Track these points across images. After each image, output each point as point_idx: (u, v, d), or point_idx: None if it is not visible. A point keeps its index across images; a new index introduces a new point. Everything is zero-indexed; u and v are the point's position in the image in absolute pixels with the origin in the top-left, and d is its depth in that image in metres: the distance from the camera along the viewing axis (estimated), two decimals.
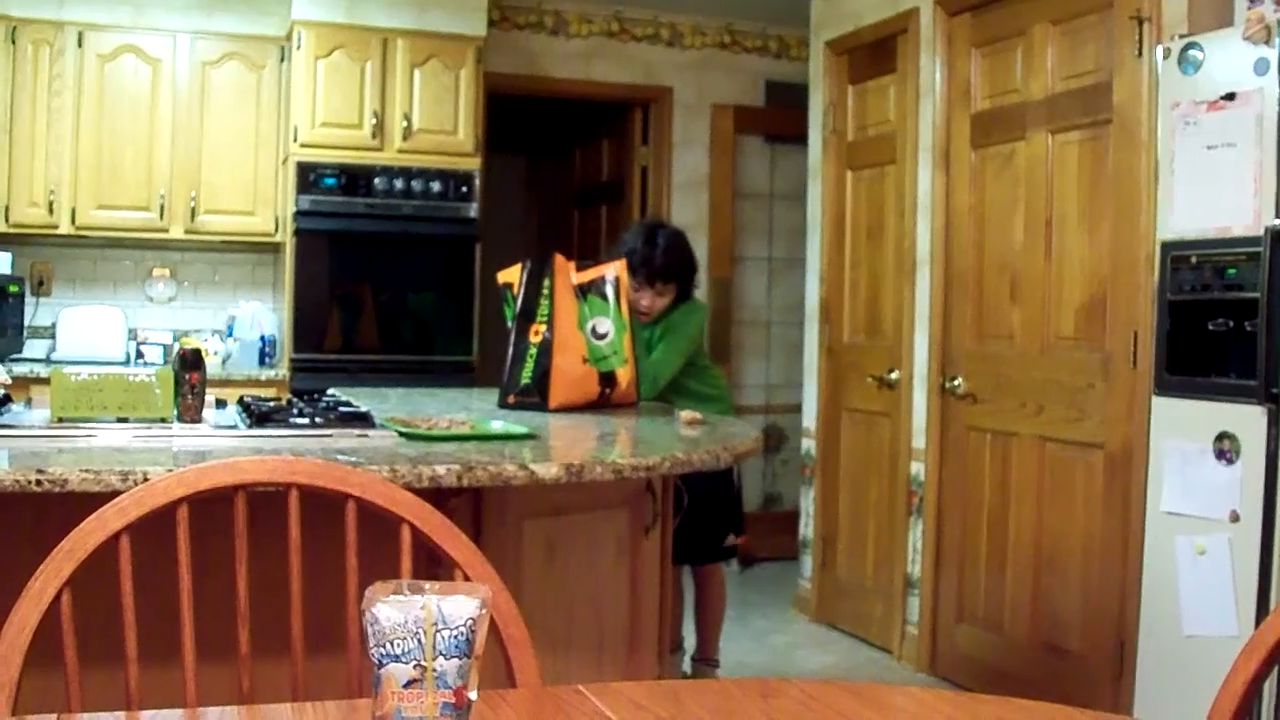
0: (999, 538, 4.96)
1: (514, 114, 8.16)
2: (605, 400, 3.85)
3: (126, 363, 6.22)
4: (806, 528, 6.35)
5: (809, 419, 6.35)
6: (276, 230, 6.33)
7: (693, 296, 4.66)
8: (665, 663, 3.82)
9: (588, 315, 3.84)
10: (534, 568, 2.94)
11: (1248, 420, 3.53)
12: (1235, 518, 3.57)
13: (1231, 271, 3.60)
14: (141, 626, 1.66)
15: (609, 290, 3.88)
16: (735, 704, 1.64)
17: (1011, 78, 4.96)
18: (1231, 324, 3.60)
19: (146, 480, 2.00)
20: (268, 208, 6.32)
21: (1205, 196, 3.69)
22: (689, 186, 7.61)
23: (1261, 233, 3.45)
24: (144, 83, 6.12)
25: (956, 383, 5.19)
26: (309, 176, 6.10)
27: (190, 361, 3.00)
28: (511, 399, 3.81)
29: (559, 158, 9.06)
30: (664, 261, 4.49)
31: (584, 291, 3.86)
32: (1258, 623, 3.14)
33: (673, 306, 4.55)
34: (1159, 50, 3.90)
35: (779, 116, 7.60)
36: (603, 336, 3.83)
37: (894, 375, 5.62)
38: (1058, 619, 4.65)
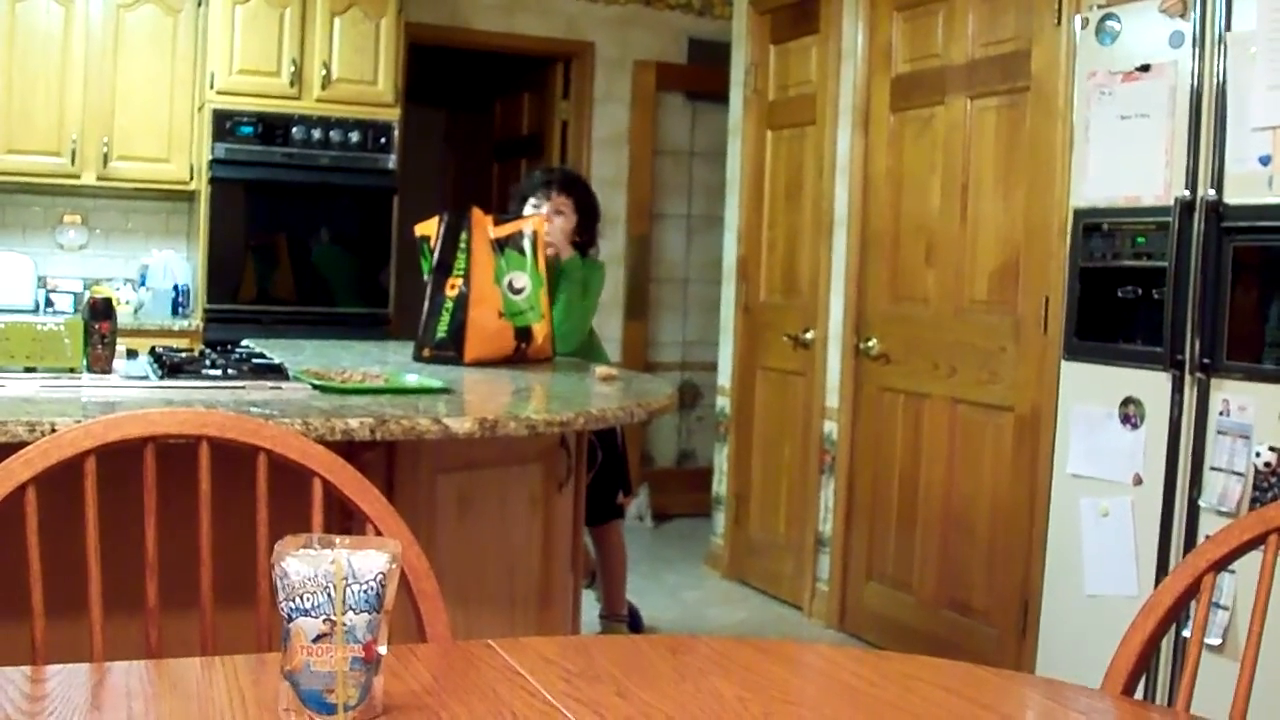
0: (909, 497, 5.03)
1: (434, 65, 8.08)
2: (521, 355, 3.84)
3: (36, 311, 6.11)
4: (720, 485, 6.39)
5: (724, 377, 6.39)
6: (191, 178, 6.23)
7: (590, 254, 4.67)
8: (578, 610, 3.85)
9: (504, 270, 3.83)
10: (447, 522, 2.94)
11: (1152, 386, 3.60)
12: (1138, 481, 3.64)
13: (1141, 240, 3.65)
14: (48, 579, 1.65)
15: (526, 245, 3.87)
16: (644, 659, 1.66)
17: (932, 42, 4.99)
18: (1140, 292, 3.66)
19: (54, 431, 1.98)
20: (182, 155, 6.22)
21: (1118, 166, 3.74)
22: (609, 142, 7.58)
23: (1171, 203, 3.51)
24: (56, 24, 5.98)
25: (871, 343, 5.24)
26: (225, 124, 6.01)
27: (100, 310, 2.96)
28: (427, 352, 3.79)
29: (479, 111, 8.99)
30: (562, 174, 4.66)
31: (501, 246, 3.85)
32: (1157, 583, 3.21)
33: (579, 257, 4.55)
34: (1077, 20, 3.94)
35: (701, 74, 7.58)
36: (519, 291, 3.82)
37: (809, 335, 5.66)
38: (965, 578, 4.72)
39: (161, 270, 6.42)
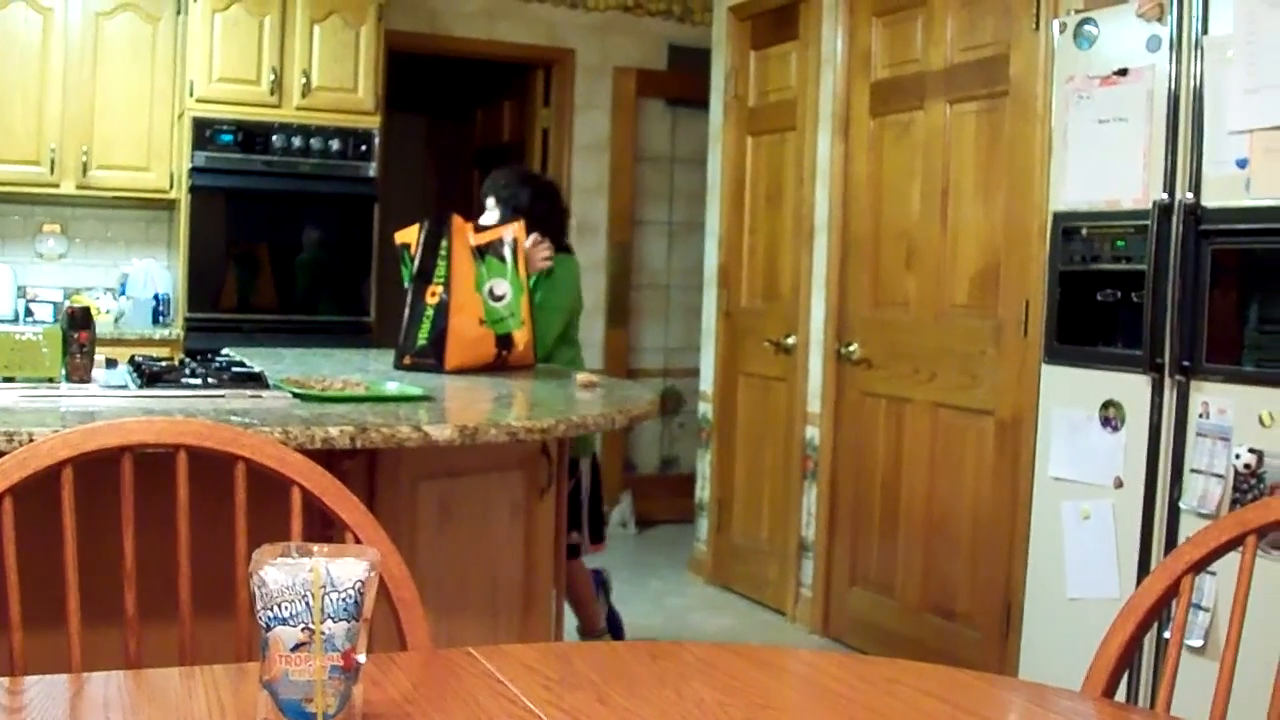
0: (891, 502, 5.04)
1: (415, 73, 8.08)
2: (502, 362, 3.84)
3: (15, 321, 6.09)
4: (703, 491, 6.39)
5: (706, 383, 6.39)
6: (171, 187, 6.20)
7: (565, 251, 4.61)
8: (560, 617, 3.84)
9: (485, 277, 3.83)
10: (428, 530, 2.94)
11: (1133, 389, 3.60)
12: (1119, 484, 3.65)
13: (1120, 243, 3.66)
14: (26, 590, 1.64)
15: (507, 252, 3.87)
16: (625, 665, 1.66)
17: (911, 47, 5.00)
18: (1119, 295, 3.67)
19: (32, 441, 1.97)
20: (162, 164, 6.20)
21: (1097, 170, 3.75)
22: (590, 149, 7.58)
23: (1150, 206, 3.52)
24: (34, 33, 5.96)
25: (852, 348, 5.24)
26: (205, 133, 5.99)
27: (79, 320, 2.95)
28: (408, 360, 3.79)
29: (460, 118, 8.98)
30: (495, 173, 4.64)
31: (482, 253, 3.84)
32: (1138, 586, 3.22)
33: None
34: (1055, 24, 3.95)
35: (681, 80, 7.59)
36: (500, 298, 3.82)
37: (791, 340, 5.66)
38: (948, 582, 4.73)
39: (141, 279, 6.40)
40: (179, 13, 6.12)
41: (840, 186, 5.37)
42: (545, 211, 4.54)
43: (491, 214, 4.44)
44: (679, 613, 5.81)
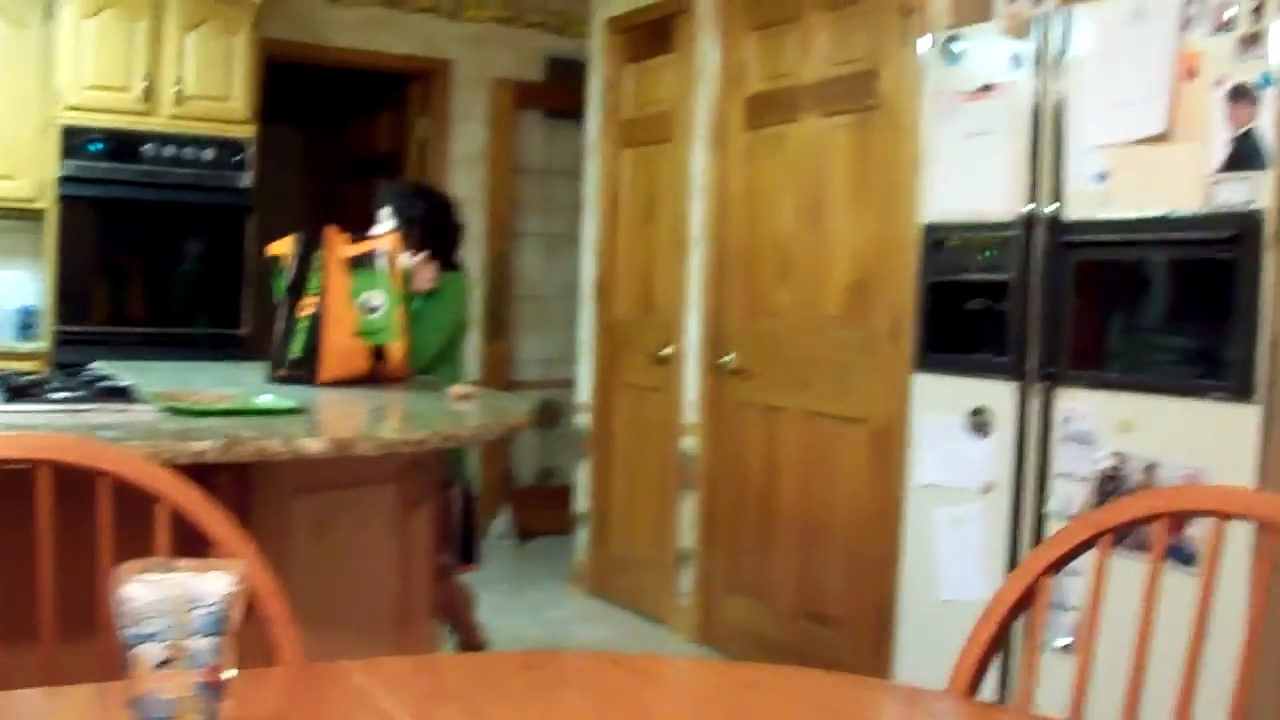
0: (768, 510, 5.09)
1: (291, 83, 8.00)
2: (376, 374, 3.82)
3: None
4: (581, 502, 6.40)
5: (584, 394, 6.40)
6: (39, 196, 6.08)
7: (455, 268, 4.58)
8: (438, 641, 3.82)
9: (360, 288, 3.80)
10: (303, 544, 2.91)
11: (1000, 395, 3.68)
12: (988, 488, 3.73)
13: (988, 254, 3.74)
14: None
15: (381, 264, 3.85)
16: (498, 676, 1.66)
17: (785, 61, 5.07)
18: (987, 304, 3.75)
19: None
20: (30, 172, 6.05)
21: (965, 182, 3.83)
22: (468, 160, 7.57)
23: (1015, 217, 3.60)
24: None
25: (728, 359, 5.29)
26: (75, 141, 5.87)
27: None
28: (281, 373, 3.75)
29: (336, 129, 8.91)
30: (391, 184, 4.66)
31: (356, 264, 3.82)
32: None
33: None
34: (923, 41, 4.03)
35: (559, 92, 7.60)
36: (374, 310, 3.79)
37: (667, 351, 5.70)
38: (823, 588, 4.79)
39: (7, 291, 6.26)
40: (47, 19, 5.99)
41: (715, 199, 5.42)
42: (439, 224, 4.53)
43: (385, 225, 4.40)
44: (558, 624, 5.81)
